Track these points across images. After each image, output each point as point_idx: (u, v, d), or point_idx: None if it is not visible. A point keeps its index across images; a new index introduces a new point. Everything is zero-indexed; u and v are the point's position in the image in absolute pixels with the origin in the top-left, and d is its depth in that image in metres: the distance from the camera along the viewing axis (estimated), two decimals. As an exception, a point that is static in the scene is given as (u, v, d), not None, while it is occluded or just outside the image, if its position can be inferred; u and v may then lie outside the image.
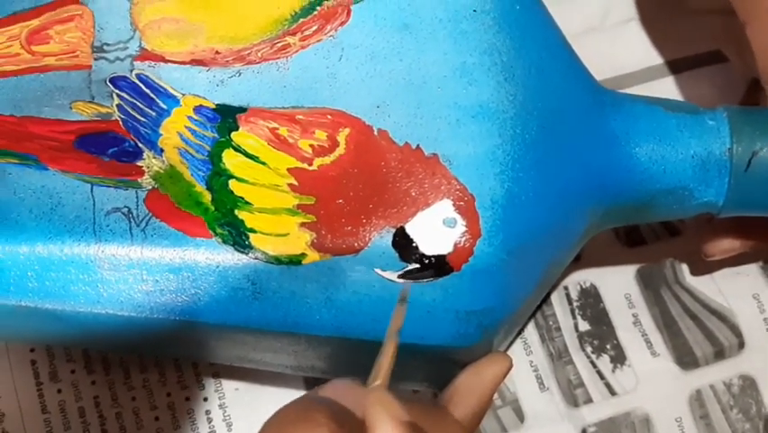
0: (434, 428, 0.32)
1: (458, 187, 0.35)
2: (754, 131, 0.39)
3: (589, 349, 0.46)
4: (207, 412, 0.44)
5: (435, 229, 0.35)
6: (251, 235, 0.35)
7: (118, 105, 0.37)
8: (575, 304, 0.47)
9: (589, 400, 0.45)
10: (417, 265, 0.35)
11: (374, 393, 0.30)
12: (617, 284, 0.47)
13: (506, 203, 0.35)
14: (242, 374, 0.44)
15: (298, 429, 0.30)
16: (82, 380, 0.44)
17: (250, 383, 0.45)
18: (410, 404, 0.33)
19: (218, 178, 0.36)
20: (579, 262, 0.47)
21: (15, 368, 0.44)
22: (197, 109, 0.36)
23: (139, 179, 0.36)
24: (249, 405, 0.44)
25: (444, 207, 0.35)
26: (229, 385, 0.45)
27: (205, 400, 0.45)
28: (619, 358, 0.46)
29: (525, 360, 0.46)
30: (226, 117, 0.36)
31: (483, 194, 0.35)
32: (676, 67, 0.51)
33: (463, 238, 0.35)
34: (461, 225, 0.35)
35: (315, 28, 0.37)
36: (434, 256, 0.35)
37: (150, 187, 0.36)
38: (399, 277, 0.35)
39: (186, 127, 0.36)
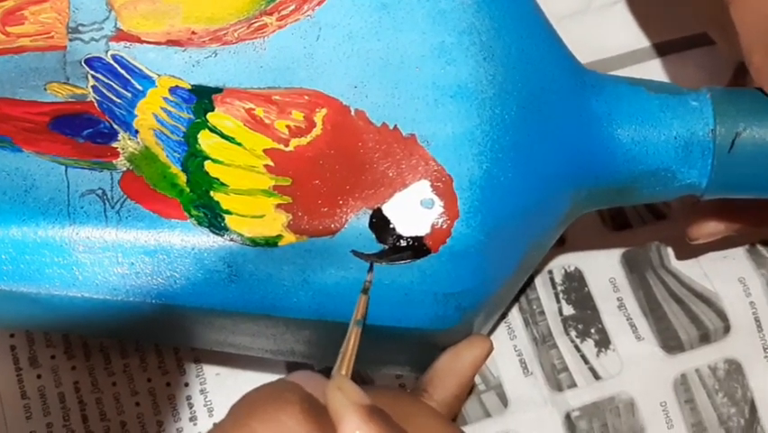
0: (399, 410, 0.32)
1: (436, 167, 0.35)
2: (738, 111, 0.38)
3: (573, 333, 0.46)
4: (188, 397, 0.44)
5: (413, 210, 0.34)
6: (227, 217, 0.35)
7: (93, 87, 0.36)
8: (559, 288, 0.46)
9: (573, 385, 0.45)
10: (394, 246, 0.34)
11: (335, 380, 0.31)
12: (602, 268, 0.47)
13: (484, 184, 0.35)
14: (223, 359, 0.44)
15: (269, 408, 0.30)
16: (62, 365, 0.44)
17: (231, 368, 0.44)
18: (375, 390, 0.34)
19: (194, 159, 0.35)
20: (563, 246, 0.47)
21: (-5, 354, 0.44)
22: (173, 90, 0.36)
23: (114, 161, 0.36)
24: (230, 390, 0.44)
25: (422, 188, 0.34)
26: (210, 370, 0.44)
27: (186, 385, 0.44)
28: (604, 342, 0.46)
29: (509, 344, 0.45)
30: (202, 98, 0.36)
31: (461, 175, 0.35)
32: (662, 50, 0.50)
33: (441, 219, 0.34)
34: (438, 206, 0.34)
35: (292, 8, 0.36)
36: (411, 237, 0.34)
37: (125, 168, 0.36)
38: (377, 258, 0.34)
39: (161, 108, 0.36)
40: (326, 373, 0.33)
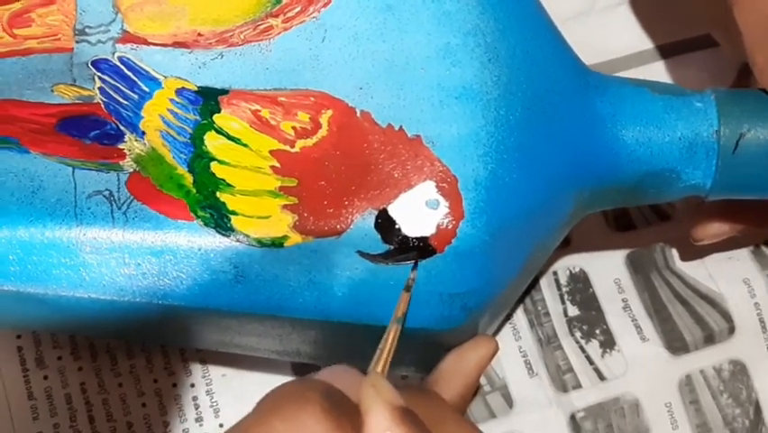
0: (430, 414, 0.32)
1: (441, 168, 0.35)
2: (742, 113, 0.38)
3: (578, 334, 0.46)
4: (194, 398, 0.44)
5: (418, 211, 0.34)
6: (233, 218, 0.35)
7: (100, 88, 0.36)
8: (564, 289, 0.47)
9: (578, 386, 0.45)
10: (400, 247, 0.34)
11: (370, 378, 0.30)
12: (607, 269, 0.47)
13: (489, 185, 0.35)
14: (229, 360, 0.44)
15: (291, 407, 0.30)
16: (69, 366, 0.44)
17: (237, 369, 0.44)
18: (407, 390, 0.33)
19: (200, 160, 0.35)
20: (568, 247, 0.47)
21: (1, 355, 0.44)
22: (179, 92, 0.36)
23: (120, 162, 0.36)
24: (236, 391, 0.44)
25: (427, 189, 0.35)
26: (216, 371, 0.45)
27: (192, 386, 0.44)
28: (609, 343, 0.46)
29: (514, 345, 0.46)
30: (208, 100, 0.36)
31: (466, 175, 0.35)
32: (666, 51, 0.50)
33: (446, 220, 0.34)
34: (443, 207, 0.34)
35: (297, 9, 0.37)
36: (416, 238, 0.34)
37: (132, 170, 0.36)
38: (382, 259, 0.34)
39: (167, 110, 0.36)
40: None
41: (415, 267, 0.34)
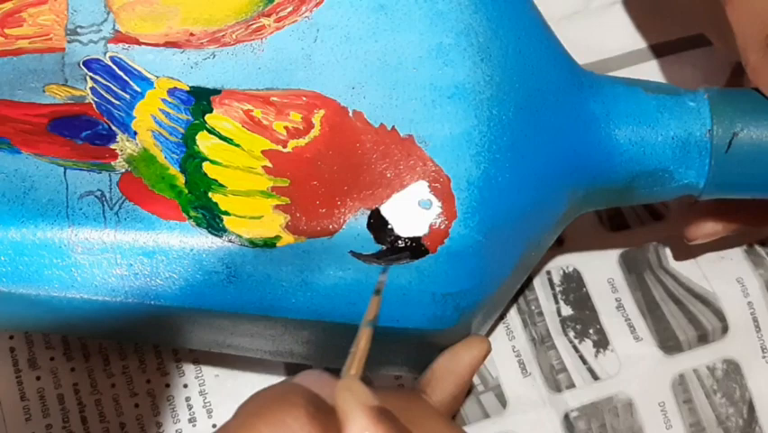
0: (407, 413, 0.32)
1: (433, 168, 0.35)
2: (735, 112, 0.38)
3: (571, 334, 0.46)
4: (187, 399, 0.44)
5: (411, 211, 0.34)
6: (225, 218, 0.35)
7: (92, 88, 0.36)
8: (558, 289, 0.46)
9: (571, 385, 0.45)
10: (392, 247, 0.34)
11: (344, 381, 0.30)
12: (600, 269, 0.47)
13: (482, 184, 0.35)
14: (222, 361, 0.44)
15: (275, 410, 0.30)
16: (61, 367, 0.44)
17: (230, 370, 0.44)
18: (383, 391, 0.33)
19: (192, 160, 0.35)
20: (561, 247, 0.47)
21: (-6, 356, 0.44)
22: (171, 92, 0.36)
23: (112, 163, 0.36)
24: (229, 391, 0.44)
25: (420, 189, 0.35)
26: (209, 372, 0.44)
27: (185, 386, 0.44)
28: (602, 343, 0.46)
29: (508, 345, 0.46)
30: (200, 100, 0.36)
31: (459, 175, 0.35)
32: (659, 51, 0.50)
33: (439, 220, 0.34)
34: (436, 207, 0.34)
35: (290, 9, 0.37)
36: (409, 238, 0.34)
37: (124, 170, 0.36)
38: (375, 259, 0.34)
39: (159, 110, 0.36)
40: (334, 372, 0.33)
41: (385, 270, 0.34)
